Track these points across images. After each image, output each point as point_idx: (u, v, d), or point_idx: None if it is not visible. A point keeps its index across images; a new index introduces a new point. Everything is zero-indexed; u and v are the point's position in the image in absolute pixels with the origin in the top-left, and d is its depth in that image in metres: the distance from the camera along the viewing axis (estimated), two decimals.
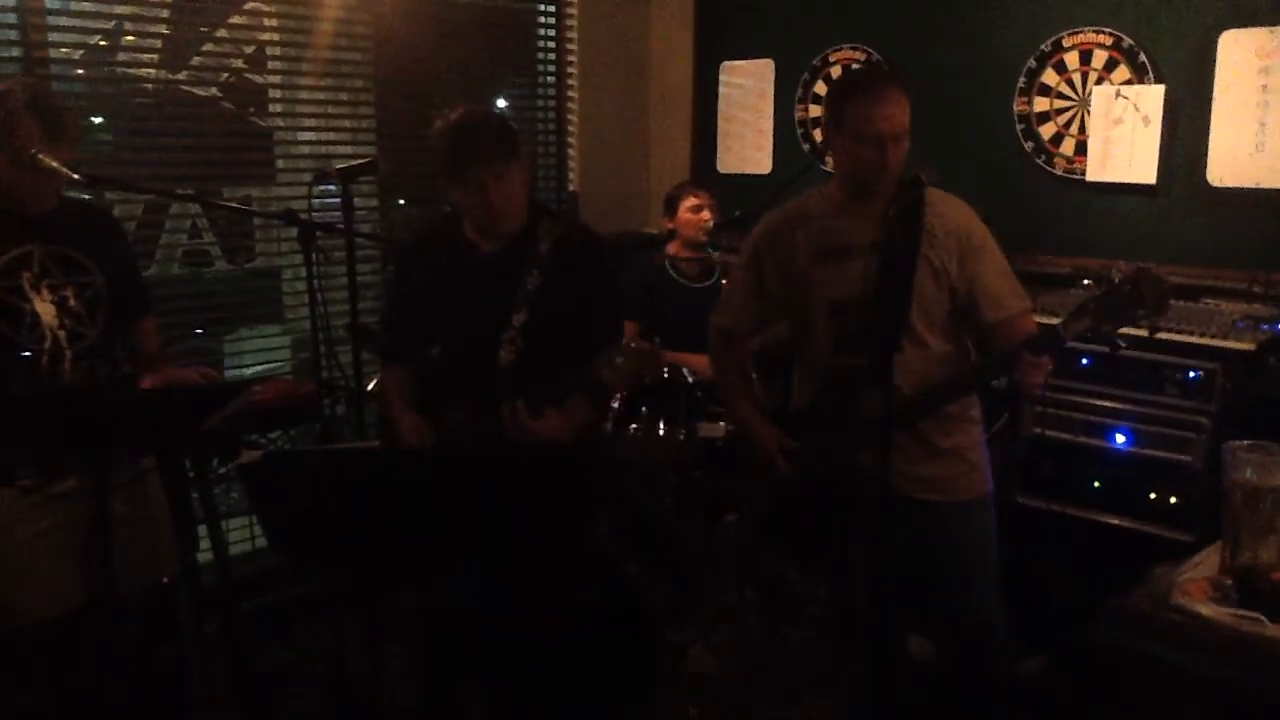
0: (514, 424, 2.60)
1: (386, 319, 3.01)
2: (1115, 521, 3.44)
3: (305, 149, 4.35)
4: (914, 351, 2.71)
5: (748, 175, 5.03)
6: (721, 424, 3.88)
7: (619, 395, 3.72)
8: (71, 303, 2.73)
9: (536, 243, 2.75)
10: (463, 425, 2.71)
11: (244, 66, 4.16)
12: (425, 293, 2.83)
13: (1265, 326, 3.29)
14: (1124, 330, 2.47)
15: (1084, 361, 3.46)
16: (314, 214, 2.74)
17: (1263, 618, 1.89)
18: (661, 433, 3.79)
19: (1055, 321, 2.54)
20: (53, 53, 3.64)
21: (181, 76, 4.02)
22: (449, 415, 2.75)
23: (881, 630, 2.71)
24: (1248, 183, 3.57)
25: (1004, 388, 3.16)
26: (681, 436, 3.80)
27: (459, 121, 2.69)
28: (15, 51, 3.55)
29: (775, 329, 3.11)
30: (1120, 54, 3.81)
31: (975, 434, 2.85)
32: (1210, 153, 3.63)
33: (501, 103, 5.13)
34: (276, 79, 4.26)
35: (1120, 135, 3.82)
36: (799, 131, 4.84)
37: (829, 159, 4.71)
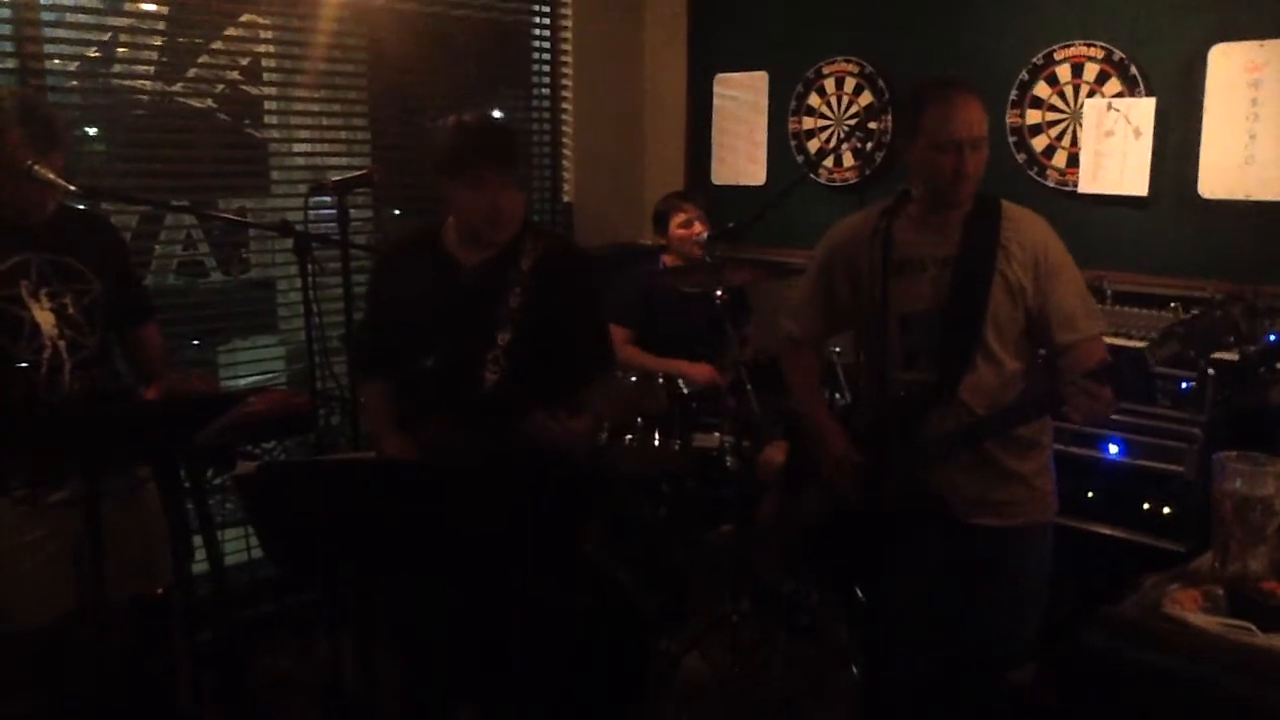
0: (552, 427, 2.56)
1: (363, 332, 2.87)
2: (1108, 531, 3.45)
3: (300, 160, 4.36)
4: (987, 369, 2.65)
5: (742, 186, 5.05)
6: (716, 434, 3.88)
7: None
8: (70, 311, 2.74)
9: (518, 259, 2.71)
10: (442, 441, 2.67)
11: (239, 78, 4.17)
12: (403, 307, 2.78)
13: None
14: (1124, 343, 2.44)
15: None
16: (309, 225, 2.74)
17: (1253, 627, 1.89)
18: (656, 443, 3.79)
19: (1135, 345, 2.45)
20: (48, 64, 3.65)
21: (177, 88, 4.03)
22: (426, 430, 2.71)
23: (911, 646, 2.70)
24: (1238, 195, 3.59)
25: None
26: (676, 446, 3.81)
27: (479, 120, 2.68)
28: (11, 63, 3.56)
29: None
30: (1111, 67, 3.84)
31: (1045, 459, 2.78)
32: (1201, 165, 3.66)
33: (496, 114, 5.14)
34: (272, 91, 4.27)
35: (1112, 147, 3.84)
36: (793, 143, 4.86)
37: (822, 172, 4.74)
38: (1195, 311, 2.42)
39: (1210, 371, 2.43)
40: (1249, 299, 2.37)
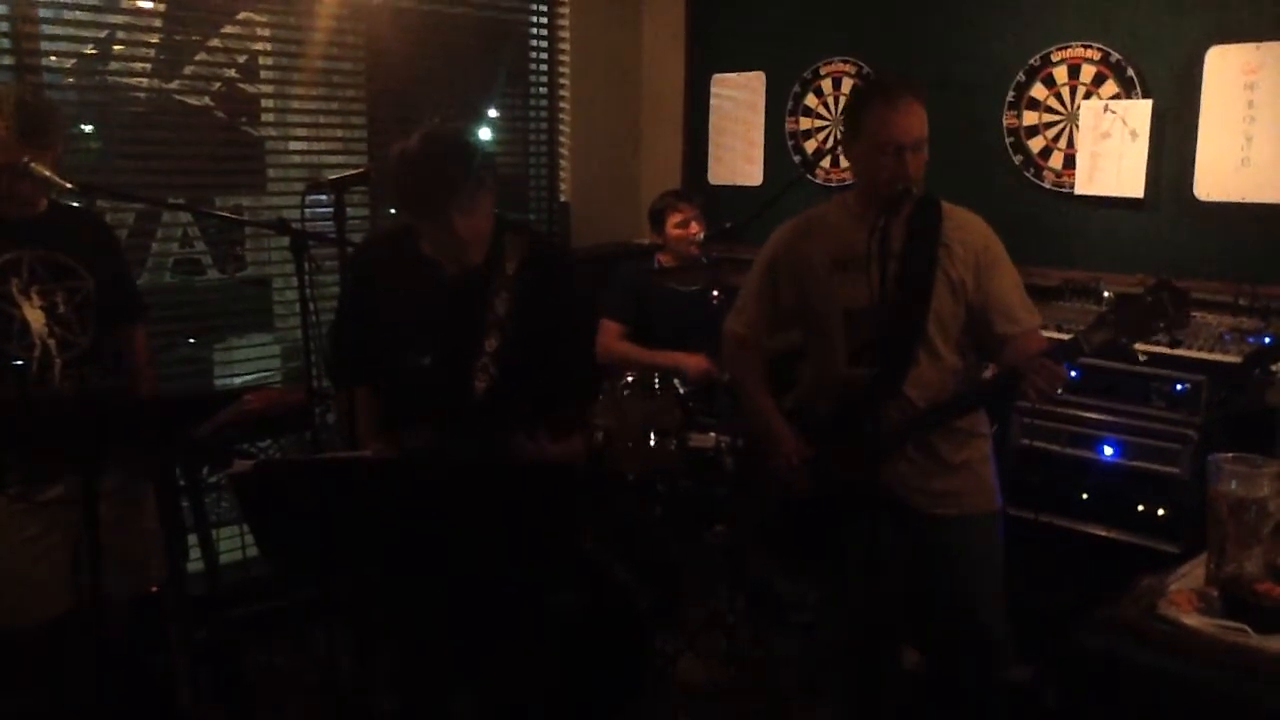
0: (529, 449, 2.52)
1: (343, 339, 2.74)
2: (1102, 533, 3.45)
3: (297, 158, 4.36)
4: (929, 364, 2.73)
5: (738, 187, 5.05)
6: (712, 434, 3.89)
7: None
8: (61, 309, 2.73)
9: (501, 263, 2.64)
10: (430, 448, 2.61)
11: (236, 76, 4.17)
12: (385, 312, 2.67)
13: (1251, 339, 3.32)
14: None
15: (1072, 374, 3.46)
16: (305, 223, 2.74)
17: (1247, 628, 1.90)
18: (652, 442, 3.79)
19: (1063, 337, 2.53)
20: (45, 61, 3.65)
21: (174, 85, 4.02)
22: (411, 437, 2.65)
23: (881, 641, 2.70)
24: (1234, 197, 3.60)
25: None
26: (672, 446, 3.81)
27: (421, 154, 2.45)
28: (8, 60, 3.55)
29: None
30: (1108, 69, 3.84)
31: (985, 448, 2.85)
32: (1197, 167, 3.66)
33: (493, 113, 5.14)
34: (269, 88, 4.27)
35: (1108, 149, 3.84)
36: (790, 143, 4.86)
37: (819, 172, 4.74)
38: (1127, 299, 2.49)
39: (1139, 358, 2.50)
40: (1176, 286, 2.41)
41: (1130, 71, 3.79)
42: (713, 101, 5.15)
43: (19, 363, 2.64)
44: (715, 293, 3.77)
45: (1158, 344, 2.59)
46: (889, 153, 2.62)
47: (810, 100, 4.78)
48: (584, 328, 2.91)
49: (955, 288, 2.71)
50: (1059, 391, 2.59)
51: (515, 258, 2.65)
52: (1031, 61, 4.01)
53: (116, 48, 3.87)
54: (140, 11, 3.89)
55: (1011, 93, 4.07)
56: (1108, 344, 2.46)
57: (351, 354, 2.75)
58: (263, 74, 4.24)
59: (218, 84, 4.14)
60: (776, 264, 2.92)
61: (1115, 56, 3.82)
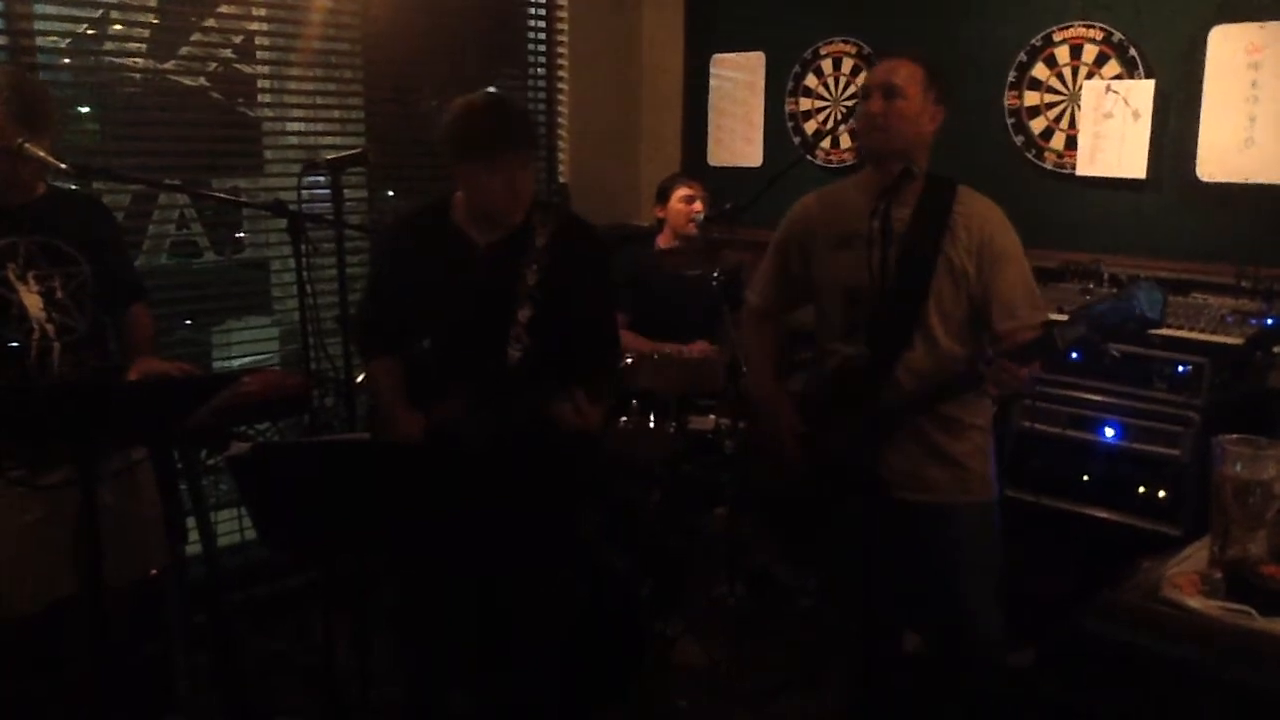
0: (574, 413, 2.56)
1: (369, 307, 2.88)
2: (1104, 515, 3.44)
3: (294, 139, 4.33)
4: (925, 350, 2.69)
5: (738, 168, 5.03)
6: (711, 416, 3.88)
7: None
8: (59, 294, 2.72)
9: (533, 236, 2.70)
10: (461, 419, 2.66)
11: (232, 57, 4.15)
12: (413, 283, 2.76)
13: (1253, 321, 3.30)
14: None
15: (1073, 355, 3.45)
16: (303, 205, 2.72)
17: (1252, 611, 1.89)
18: (651, 425, 3.78)
19: (1063, 318, 2.49)
20: (40, 41, 3.61)
21: (169, 66, 3.99)
22: (444, 407, 2.70)
23: (881, 626, 2.69)
24: (1236, 178, 3.58)
25: None
26: (671, 429, 3.80)
27: (493, 101, 2.65)
28: (2, 40, 3.52)
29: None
30: (1111, 48, 3.82)
31: (980, 440, 2.79)
32: (1200, 147, 3.64)
33: (493, 90, 5.11)
34: (265, 69, 4.24)
35: (1110, 130, 3.82)
36: (790, 124, 4.84)
37: (819, 153, 4.72)
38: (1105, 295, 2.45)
39: (1115, 355, 2.46)
40: (1154, 283, 2.36)
41: (1133, 51, 3.76)
42: (712, 82, 5.12)
43: (15, 345, 2.63)
44: (716, 274, 3.76)
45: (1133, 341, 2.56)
46: (864, 96, 2.70)
47: (810, 81, 4.75)
48: (608, 299, 2.98)
49: (956, 274, 2.67)
50: (1025, 387, 2.60)
51: (546, 232, 2.72)
52: (1033, 41, 3.99)
53: (112, 28, 3.84)
54: None
55: (1013, 73, 4.04)
56: (1081, 340, 2.40)
57: (381, 327, 2.83)
58: (259, 54, 4.21)
59: (214, 64, 4.12)
60: (789, 237, 2.92)
61: (1118, 36, 3.79)
